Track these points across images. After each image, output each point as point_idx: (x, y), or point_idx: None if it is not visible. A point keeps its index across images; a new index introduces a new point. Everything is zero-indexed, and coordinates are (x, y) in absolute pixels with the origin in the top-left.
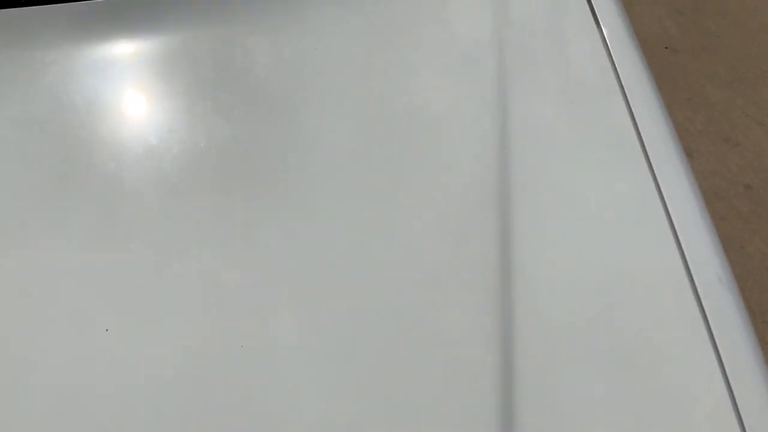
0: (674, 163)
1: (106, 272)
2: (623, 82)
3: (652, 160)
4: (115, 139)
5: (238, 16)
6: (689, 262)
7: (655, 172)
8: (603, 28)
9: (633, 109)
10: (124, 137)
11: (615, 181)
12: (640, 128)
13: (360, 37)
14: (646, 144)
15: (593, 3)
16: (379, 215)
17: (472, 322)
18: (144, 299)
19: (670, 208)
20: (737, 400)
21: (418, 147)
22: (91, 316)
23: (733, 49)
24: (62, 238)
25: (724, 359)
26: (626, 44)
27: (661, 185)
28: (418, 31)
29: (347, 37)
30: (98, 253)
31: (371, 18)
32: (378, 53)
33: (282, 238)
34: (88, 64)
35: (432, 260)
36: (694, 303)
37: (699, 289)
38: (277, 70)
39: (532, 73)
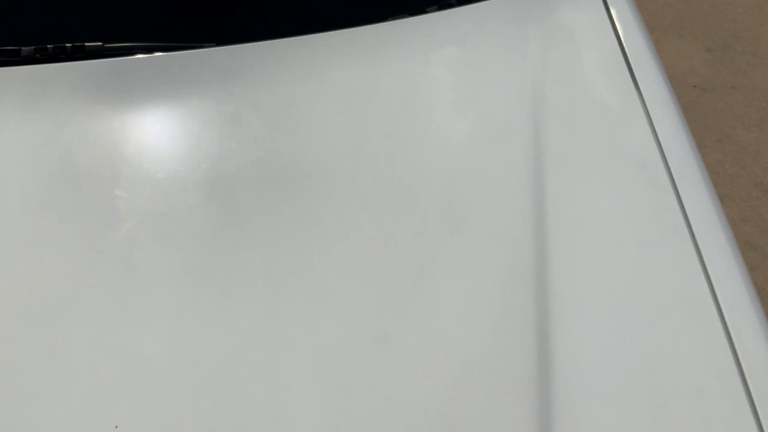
0: (715, 227)
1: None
2: (655, 126)
3: (696, 236)
4: (126, 202)
5: (256, 82)
6: (741, 361)
7: (700, 249)
8: (633, 68)
9: (667, 158)
10: (135, 200)
11: (653, 249)
12: (675, 180)
13: (388, 98)
14: (684, 203)
15: (623, 41)
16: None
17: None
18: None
19: (720, 300)
20: None
21: (450, 216)
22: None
23: (763, 88)
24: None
25: None
26: (658, 86)
27: (706, 262)
28: (454, 95)
29: (373, 103)
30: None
31: (399, 76)
32: (409, 112)
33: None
34: (100, 121)
35: (467, 336)
36: (746, 405)
37: (752, 390)
38: (297, 134)
39: (562, 112)
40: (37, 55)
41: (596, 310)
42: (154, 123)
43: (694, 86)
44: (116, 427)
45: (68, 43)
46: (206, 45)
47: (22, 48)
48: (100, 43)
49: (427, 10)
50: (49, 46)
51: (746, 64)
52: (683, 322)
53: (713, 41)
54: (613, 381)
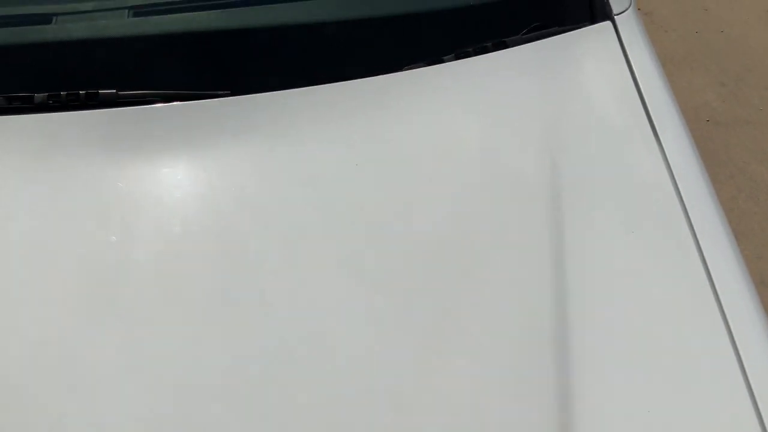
0: (731, 264)
1: None
2: (671, 165)
3: (713, 276)
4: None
5: (270, 133)
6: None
7: (717, 290)
8: (647, 104)
9: (683, 197)
10: (148, 254)
11: (669, 292)
12: (691, 219)
13: (404, 149)
14: (701, 243)
15: (638, 80)
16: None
17: None
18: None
19: (737, 343)
20: None
21: (468, 277)
22: None
23: None
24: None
25: None
26: (674, 126)
27: (722, 302)
28: (469, 154)
29: (389, 155)
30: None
31: (415, 126)
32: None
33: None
34: (112, 174)
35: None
36: None
37: None
38: (312, 186)
39: (578, 156)
40: (50, 102)
41: (617, 369)
42: (166, 176)
43: (707, 120)
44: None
45: (82, 89)
46: (221, 93)
47: (35, 95)
48: (114, 91)
49: (444, 59)
50: (62, 93)
51: (759, 98)
52: (703, 370)
53: (726, 75)
54: None
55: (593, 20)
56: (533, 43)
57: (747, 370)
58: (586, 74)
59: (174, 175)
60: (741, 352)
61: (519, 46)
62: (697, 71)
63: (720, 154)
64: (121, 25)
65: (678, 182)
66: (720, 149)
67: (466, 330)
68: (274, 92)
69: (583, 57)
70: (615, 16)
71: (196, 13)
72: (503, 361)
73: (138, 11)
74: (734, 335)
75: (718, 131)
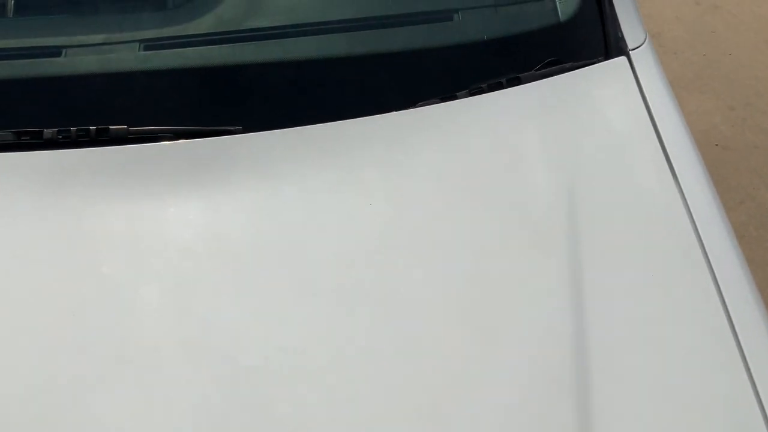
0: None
1: None
2: (688, 203)
3: (729, 308)
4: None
5: (282, 172)
6: None
7: (734, 324)
8: (663, 141)
9: (699, 228)
10: (157, 296)
11: (688, 331)
12: (712, 264)
13: (418, 189)
14: (718, 278)
15: (652, 112)
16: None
17: None
18: None
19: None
20: None
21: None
22: None
23: None
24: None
25: None
26: (689, 160)
27: (738, 334)
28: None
29: (402, 194)
30: None
31: (429, 164)
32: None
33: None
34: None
35: None
36: None
37: None
38: (323, 228)
39: (594, 186)
40: (60, 137)
41: (640, 419)
42: (177, 216)
43: (716, 144)
44: None
45: (92, 125)
46: (232, 129)
47: (45, 130)
48: (125, 126)
49: (457, 95)
50: (72, 128)
51: None
52: (721, 403)
53: (735, 99)
54: None
55: (608, 56)
56: (548, 79)
57: (765, 408)
58: (601, 111)
59: (185, 215)
60: (758, 386)
61: (533, 82)
62: (706, 95)
63: (730, 180)
64: (132, 59)
65: (697, 223)
66: (730, 174)
67: (484, 380)
68: (286, 129)
69: (598, 93)
70: (630, 51)
71: (208, 47)
72: (524, 412)
73: (149, 45)
74: (751, 368)
75: (727, 156)
